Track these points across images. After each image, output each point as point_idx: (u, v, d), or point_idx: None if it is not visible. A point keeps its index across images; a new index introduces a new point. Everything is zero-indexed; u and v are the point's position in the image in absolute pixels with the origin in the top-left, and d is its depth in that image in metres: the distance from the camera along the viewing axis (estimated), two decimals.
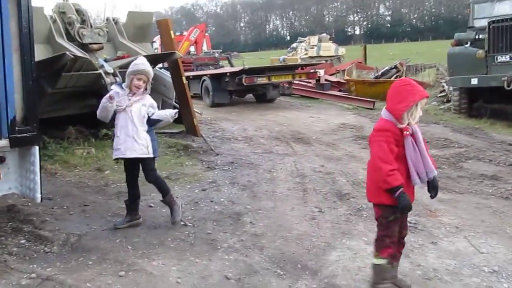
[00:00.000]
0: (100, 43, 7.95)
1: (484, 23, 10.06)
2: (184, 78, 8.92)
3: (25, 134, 3.69)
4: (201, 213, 4.67)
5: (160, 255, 3.67)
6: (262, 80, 12.27)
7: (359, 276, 3.27)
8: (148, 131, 4.23)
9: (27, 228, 4.24)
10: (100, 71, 7.36)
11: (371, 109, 12.29)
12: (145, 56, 7.80)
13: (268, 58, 36.10)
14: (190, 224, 4.35)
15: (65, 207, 4.95)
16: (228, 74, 12.83)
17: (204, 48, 18.63)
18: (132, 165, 4.34)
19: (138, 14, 8.76)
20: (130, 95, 4.14)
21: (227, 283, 3.23)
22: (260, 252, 3.71)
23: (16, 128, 3.64)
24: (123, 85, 4.21)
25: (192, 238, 4.01)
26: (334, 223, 4.30)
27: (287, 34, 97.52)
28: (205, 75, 14.17)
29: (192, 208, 4.81)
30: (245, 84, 12.10)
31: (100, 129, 8.73)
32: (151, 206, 4.91)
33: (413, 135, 2.88)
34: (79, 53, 7.16)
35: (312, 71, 14.23)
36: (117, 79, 7.50)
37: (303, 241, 3.90)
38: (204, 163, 6.70)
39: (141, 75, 4.12)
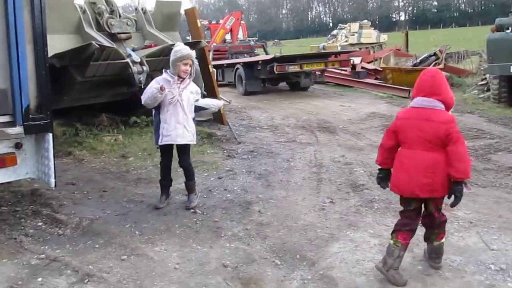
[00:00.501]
0: (128, 33, 8.11)
1: None
2: (211, 67, 8.99)
3: (39, 122, 3.83)
4: (212, 200, 4.73)
5: (164, 241, 3.75)
6: (293, 68, 12.16)
7: (356, 269, 3.22)
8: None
9: (45, 211, 4.45)
10: (127, 60, 7.54)
11: (406, 97, 11.91)
12: (171, 44, 7.98)
13: (309, 45, 35.65)
14: (200, 212, 4.41)
15: (85, 192, 5.15)
16: (260, 62, 12.79)
17: (240, 36, 18.62)
18: (172, 151, 4.51)
19: (166, 3, 8.84)
20: (179, 82, 4.24)
21: (223, 271, 3.26)
22: (262, 241, 3.72)
23: (30, 116, 3.79)
24: (169, 72, 4.28)
25: (199, 226, 4.07)
26: (342, 215, 4.24)
27: (330, 21, 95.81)
28: (238, 63, 14.19)
29: (205, 196, 4.87)
30: (276, 72, 12.03)
31: (130, 117, 9.01)
32: None
33: None
34: (106, 42, 7.33)
35: (345, 59, 13.93)
36: (144, 68, 7.67)
37: (308, 231, 3.88)
38: (225, 151, 6.75)
39: (187, 60, 4.20)
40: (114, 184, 5.43)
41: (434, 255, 3.19)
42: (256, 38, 19.02)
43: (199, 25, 8.49)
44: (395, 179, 3.01)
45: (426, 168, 2.85)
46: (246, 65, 13.70)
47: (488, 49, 10.31)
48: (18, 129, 3.76)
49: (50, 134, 3.95)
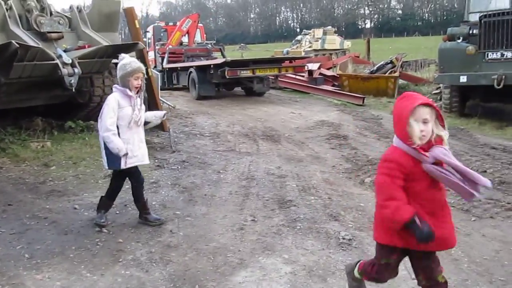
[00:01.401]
0: (60, 32, 7.56)
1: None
2: (150, 70, 8.56)
3: None
4: (124, 218, 4.32)
5: (52, 267, 3.32)
6: (246, 73, 11.84)
7: None
8: None
9: None
10: (57, 61, 7.02)
11: (360, 105, 11.81)
12: (107, 46, 7.52)
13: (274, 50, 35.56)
14: (106, 231, 3.99)
15: None
16: (212, 66, 12.42)
17: (198, 39, 18.17)
18: (130, 171, 4.07)
19: (104, 2, 8.33)
20: (138, 97, 3.91)
21: None
22: (163, 268, 3.34)
23: None
24: (119, 87, 3.89)
25: (99, 248, 3.65)
26: (261, 235, 3.90)
27: (297, 26, 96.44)
28: (192, 66, 13.79)
29: (117, 212, 4.45)
30: (227, 77, 11.69)
31: (67, 121, 8.46)
32: (75, 208, 4.56)
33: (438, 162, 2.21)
34: (31, 42, 6.79)
35: (300, 64, 13.74)
36: (76, 70, 7.18)
37: (217, 256, 3.52)
38: (156, 160, 6.33)
39: (138, 74, 3.83)
40: (23, 197, 4.93)
41: None
42: (214, 42, 18.58)
43: (137, 25, 8.05)
44: None
45: None
46: (199, 68, 13.31)
47: (440, 59, 10.28)
48: None
49: None
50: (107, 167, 4.06)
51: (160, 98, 9.77)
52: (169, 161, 6.25)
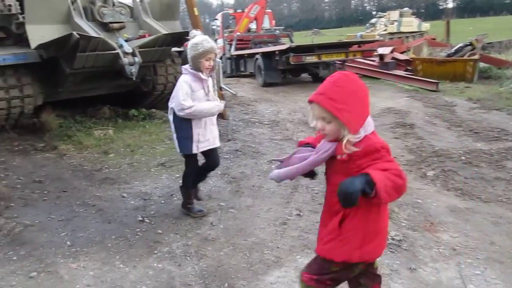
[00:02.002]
0: (122, 22, 7.72)
1: None
2: None
3: None
4: (168, 207, 4.26)
5: (88, 256, 3.33)
6: (311, 58, 11.45)
7: None
8: None
9: None
10: (118, 51, 7.18)
11: (433, 91, 10.97)
12: (165, 34, 7.56)
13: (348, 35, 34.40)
14: (148, 221, 3.96)
15: (45, 192, 4.82)
16: (276, 52, 12.17)
17: (267, 25, 17.96)
18: (206, 154, 3.98)
19: None
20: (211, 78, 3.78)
21: None
22: (196, 262, 3.22)
23: None
24: (189, 68, 3.65)
25: (137, 238, 3.62)
26: (303, 232, 3.65)
27: (374, 9, 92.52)
28: (257, 53, 13.64)
29: (162, 202, 4.42)
30: (292, 63, 11.38)
31: (130, 109, 8.70)
32: (123, 196, 4.59)
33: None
34: (93, 32, 6.98)
35: (368, 49, 13.04)
36: (136, 59, 7.29)
37: (253, 252, 3.34)
38: None
39: (210, 54, 3.58)
40: (78, 183, 5.08)
41: None
42: (283, 27, 18.25)
43: (196, 13, 8.00)
44: None
45: None
46: (264, 55, 13.13)
47: None
48: None
49: None
50: (179, 152, 3.87)
51: (223, 86, 9.74)
52: (223, 150, 6.14)
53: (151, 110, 8.62)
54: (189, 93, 3.59)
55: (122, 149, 6.47)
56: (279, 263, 3.15)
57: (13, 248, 3.46)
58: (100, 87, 8.35)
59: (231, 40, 16.40)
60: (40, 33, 6.72)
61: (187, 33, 7.95)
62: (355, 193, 1.70)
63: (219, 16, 18.56)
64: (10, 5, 7.35)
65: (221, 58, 17.96)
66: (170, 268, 3.14)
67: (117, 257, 3.31)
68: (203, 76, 3.61)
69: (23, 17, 6.90)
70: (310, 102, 1.90)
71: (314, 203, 4.23)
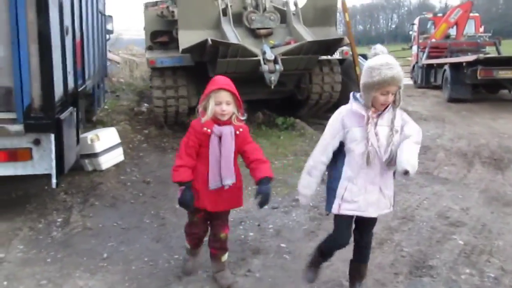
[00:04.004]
0: (269, 28, 7.53)
1: None
2: (357, 68, 7.65)
3: (40, 121, 3.78)
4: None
5: (104, 275, 3.18)
6: (505, 73, 9.34)
7: None
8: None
9: (64, 210, 4.43)
10: (260, 57, 7.04)
11: None
12: (310, 42, 7.08)
13: None
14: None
15: (140, 194, 4.99)
16: (464, 64, 10.35)
17: (472, 31, 15.55)
18: (352, 224, 2.80)
19: None
20: (375, 116, 2.54)
21: None
22: None
23: (32, 115, 3.76)
24: (359, 98, 2.60)
25: (163, 268, 3.33)
26: None
27: None
28: (446, 63, 11.92)
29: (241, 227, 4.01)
30: (479, 77, 9.50)
31: (278, 116, 8.52)
32: None
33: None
34: (234, 39, 6.97)
35: None
36: (277, 66, 7.04)
37: None
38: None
39: (389, 87, 2.44)
40: (172, 191, 5.01)
41: None
42: (490, 34, 15.52)
43: (347, 18, 7.25)
44: None
45: None
46: (452, 66, 11.39)
47: None
48: (18, 127, 3.79)
49: (52, 135, 3.85)
50: (325, 208, 2.87)
51: None
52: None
53: (295, 120, 8.25)
54: (337, 131, 2.61)
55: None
56: None
57: (57, 249, 3.58)
58: (254, 93, 8.35)
59: (425, 48, 14.79)
60: (189, 38, 7.05)
61: (338, 41, 7.32)
62: None
63: (416, 20, 16.96)
64: (173, 12, 7.96)
65: (413, 67, 16.43)
66: None
67: (127, 284, 3.08)
68: (363, 111, 2.53)
69: None
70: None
71: (390, 269, 3.23)
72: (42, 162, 4.01)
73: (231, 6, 7.64)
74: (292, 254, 3.51)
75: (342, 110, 2.64)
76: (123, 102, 11.09)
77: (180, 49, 7.10)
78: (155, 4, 9.72)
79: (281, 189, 5.00)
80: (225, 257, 3.08)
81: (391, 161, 2.54)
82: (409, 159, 2.47)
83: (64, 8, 4.42)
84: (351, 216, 2.70)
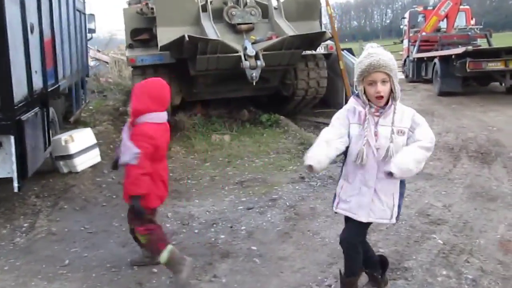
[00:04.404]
0: (250, 23, 7.35)
1: None
2: (341, 63, 7.50)
3: None
4: (192, 240, 3.68)
5: (62, 284, 3.02)
6: (494, 65, 9.20)
7: None
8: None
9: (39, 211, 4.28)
10: (240, 53, 6.87)
11: None
12: (292, 36, 6.91)
13: None
14: None
15: (114, 196, 4.81)
16: (453, 56, 10.20)
17: (463, 24, 15.39)
18: (358, 224, 2.53)
19: None
20: (376, 113, 2.38)
21: None
22: None
23: None
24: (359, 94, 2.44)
25: (126, 274, 3.16)
26: None
27: None
28: (435, 57, 11.77)
29: (196, 231, 3.85)
30: (468, 69, 9.35)
31: (264, 113, 8.34)
32: (167, 216, 4.19)
33: None
34: (213, 35, 6.80)
35: None
36: (259, 62, 6.87)
37: None
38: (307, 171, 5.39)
39: (374, 75, 2.30)
40: None
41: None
42: (481, 26, 15.36)
43: (329, 12, 7.08)
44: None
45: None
46: (442, 59, 11.25)
47: None
48: None
49: (12, 137, 3.68)
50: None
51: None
52: (317, 174, 5.21)
53: (279, 117, 8.09)
54: (341, 123, 2.45)
55: (221, 159, 6.15)
56: None
57: (17, 256, 3.43)
58: (239, 90, 8.20)
59: (415, 41, 14.63)
60: (168, 35, 6.87)
61: (320, 35, 7.15)
62: None
63: (407, 14, 16.78)
64: (153, 9, 7.77)
65: (404, 61, 16.27)
66: None
67: None
68: (359, 106, 2.39)
69: None
70: None
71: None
72: (5, 165, 3.84)
73: (211, 1, 7.47)
74: (262, 257, 3.35)
75: (347, 106, 2.49)
76: (109, 102, 10.92)
77: (159, 47, 6.92)
78: (139, 1, 9.53)
79: (259, 188, 4.84)
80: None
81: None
82: (400, 161, 2.29)
83: (28, 6, 4.24)
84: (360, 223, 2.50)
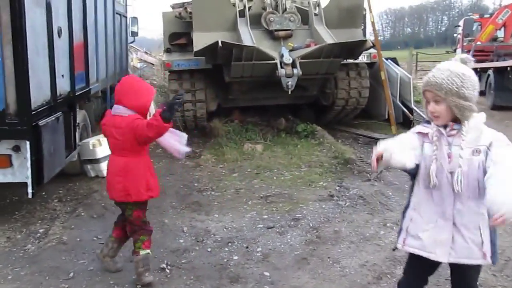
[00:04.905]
0: (289, 30, 7.09)
1: None
2: (383, 73, 7.08)
3: (14, 128, 3.57)
4: (207, 259, 3.48)
5: None
6: None
7: None
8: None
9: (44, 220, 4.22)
10: (277, 61, 6.63)
11: None
12: (331, 44, 6.60)
13: None
14: (167, 271, 3.28)
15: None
16: (509, 68, 9.50)
17: None
18: (428, 268, 2.24)
19: None
20: (452, 133, 2.03)
21: None
22: None
23: (6, 120, 3.56)
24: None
25: None
26: None
27: None
28: (489, 68, 11.05)
29: (209, 249, 3.65)
30: None
31: (302, 123, 8.05)
32: (183, 231, 4.02)
33: None
34: (249, 41, 6.60)
35: None
36: (295, 70, 6.61)
37: None
38: (338, 188, 5.08)
39: (428, 92, 2.03)
40: (168, 203, 4.78)
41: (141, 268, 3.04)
42: None
43: (371, 19, 6.70)
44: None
45: (118, 173, 2.96)
46: (497, 71, 10.51)
47: None
48: None
49: (27, 142, 3.63)
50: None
51: (413, 107, 8.09)
52: (348, 192, 4.88)
53: (315, 127, 7.76)
54: (410, 142, 2.08)
55: (250, 170, 5.92)
56: None
57: (23, 265, 3.36)
58: (276, 97, 7.97)
59: (469, 51, 13.82)
60: (204, 40, 6.74)
61: (361, 43, 6.79)
62: None
63: (461, 22, 15.96)
64: (191, 13, 7.68)
65: None
66: None
67: None
68: (423, 128, 2.10)
69: None
70: None
71: None
72: (23, 170, 3.80)
73: (250, 7, 7.28)
74: (274, 285, 3.09)
75: (418, 128, 2.15)
76: None
77: (194, 51, 6.81)
78: (182, 5, 9.51)
79: (283, 205, 4.58)
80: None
81: (472, 193, 1.98)
82: (504, 197, 1.78)
83: (55, 9, 4.22)
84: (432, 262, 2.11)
